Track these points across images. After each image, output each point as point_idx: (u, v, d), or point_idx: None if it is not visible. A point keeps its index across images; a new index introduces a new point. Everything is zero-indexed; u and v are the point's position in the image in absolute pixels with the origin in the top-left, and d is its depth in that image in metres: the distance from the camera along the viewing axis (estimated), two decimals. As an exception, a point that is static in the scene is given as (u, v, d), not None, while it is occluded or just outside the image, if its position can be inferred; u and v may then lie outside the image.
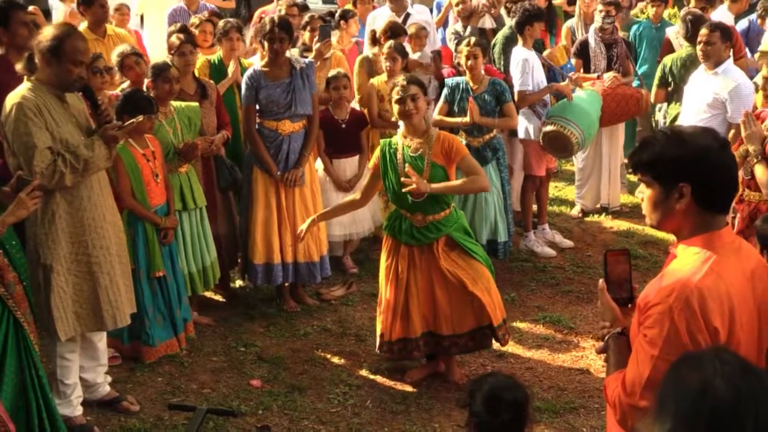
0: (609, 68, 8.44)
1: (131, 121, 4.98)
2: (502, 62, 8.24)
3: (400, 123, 5.53)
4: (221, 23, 7.57)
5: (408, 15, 9.00)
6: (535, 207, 8.29)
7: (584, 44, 8.61)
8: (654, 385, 2.52)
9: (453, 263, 5.47)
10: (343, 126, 7.26)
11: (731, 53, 7.22)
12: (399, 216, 5.53)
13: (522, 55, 7.71)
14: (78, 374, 5.10)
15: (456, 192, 5.44)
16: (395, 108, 5.45)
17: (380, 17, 9.07)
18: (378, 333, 5.73)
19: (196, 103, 6.33)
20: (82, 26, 8.04)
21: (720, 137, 2.70)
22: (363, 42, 8.94)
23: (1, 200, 4.28)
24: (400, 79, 5.50)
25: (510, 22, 8.70)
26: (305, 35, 7.67)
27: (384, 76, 7.53)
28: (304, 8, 9.08)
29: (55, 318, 4.78)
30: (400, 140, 5.50)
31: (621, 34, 8.96)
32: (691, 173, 2.62)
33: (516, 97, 7.55)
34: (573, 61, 8.67)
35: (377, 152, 5.60)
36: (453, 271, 5.45)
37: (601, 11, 8.47)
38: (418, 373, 5.83)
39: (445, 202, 5.47)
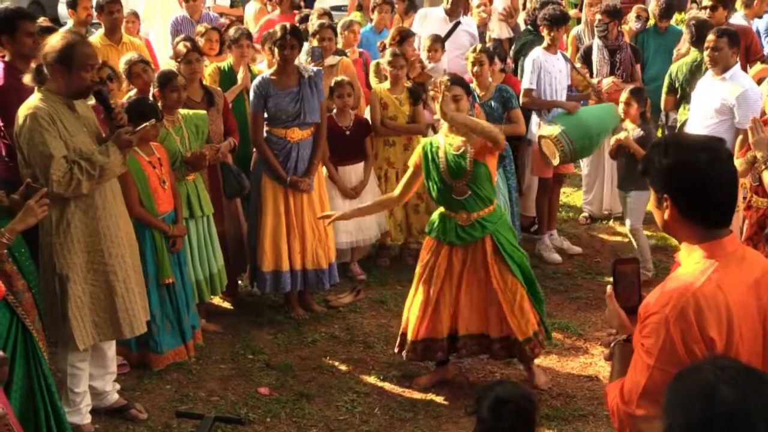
0: (612, 74, 8.46)
1: (145, 124, 4.99)
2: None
3: (443, 122, 5.54)
4: (231, 30, 7.60)
5: (458, 23, 8.98)
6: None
7: (588, 50, 8.64)
8: (650, 394, 2.53)
9: (494, 270, 5.48)
10: (347, 133, 7.27)
11: (747, 56, 7.21)
12: (444, 217, 5.55)
13: (534, 54, 7.73)
14: (87, 383, 5.11)
15: (476, 129, 5.35)
16: (437, 107, 5.48)
17: (432, 17, 9.10)
18: (400, 332, 5.72)
19: (203, 111, 6.35)
20: (100, 32, 8.09)
21: (717, 149, 2.62)
22: (366, 53, 8.95)
23: (11, 208, 4.30)
24: (445, 79, 5.52)
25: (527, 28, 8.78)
26: (313, 42, 7.68)
27: (387, 84, 7.55)
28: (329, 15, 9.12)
29: (72, 327, 4.79)
30: (443, 138, 5.51)
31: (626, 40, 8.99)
32: (670, 186, 2.62)
33: (521, 94, 7.56)
34: (578, 66, 8.67)
35: (418, 151, 5.61)
36: (492, 278, 5.46)
37: (598, 19, 8.52)
38: (426, 380, 5.83)
39: (488, 198, 5.48)
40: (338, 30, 8.62)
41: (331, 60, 7.69)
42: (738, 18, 9.54)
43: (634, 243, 7.49)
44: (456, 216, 5.47)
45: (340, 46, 8.47)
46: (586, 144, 7.48)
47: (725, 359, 2.16)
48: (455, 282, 5.51)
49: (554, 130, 7.37)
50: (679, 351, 2.48)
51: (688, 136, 2.90)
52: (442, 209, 5.59)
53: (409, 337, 5.62)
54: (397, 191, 5.86)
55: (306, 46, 7.45)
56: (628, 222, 7.45)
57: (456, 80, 5.51)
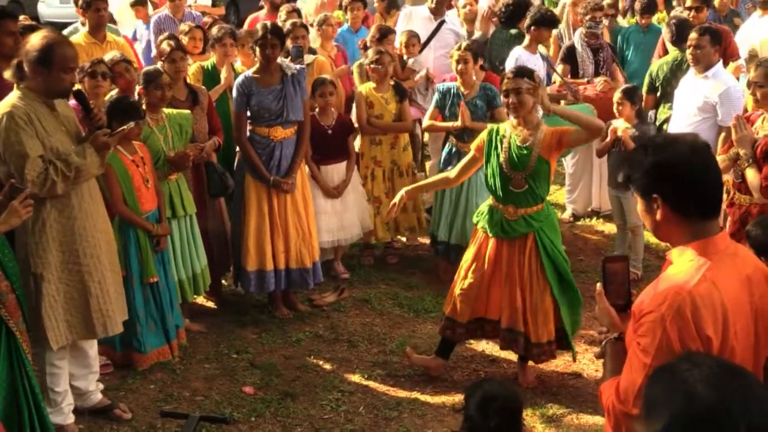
0: (596, 73, 8.49)
1: (122, 128, 4.95)
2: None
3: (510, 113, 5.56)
4: (215, 29, 7.58)
5: (443, 22, 9.00)
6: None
7: (571, 49, 8.64)
8: None
9: (529, 268, 5.52)
10: (330, 132, 7.25)
11: (724, 58, 7.25)
12: (491, 209, 5.59)
13: (516, 53, 7.75)
14: (68, 382, 5.08)
15: (575, 118, 5.39)
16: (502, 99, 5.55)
17: (416, 15, 9.12)
18: (445, 316, 5.76)
19: (187, 111, 6.32)
20: (83, 30, 8.05)
21: (694, 140, 2.68)
22: (343, 48, 8.95)
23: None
24: (509, 71, 5.56)
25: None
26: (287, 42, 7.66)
27: (372, 83, 7.55)
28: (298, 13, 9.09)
29: (46, 327, 4.75)
30: (509, 129, 5.52)
31: (607, 39, 9.03)
32: (658, 184, 2.65)
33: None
34: (560, 66, 8.68)
35: (483, 135, 5.64)
36: (524, 274, 5.53)
37: (589, 18, 8.52)
38: (418, 359, 5.89)
39: (540, 197, 5.51)
40: (314, 26, 8.62)
41: (305, 59, 7.65)
42: (754, 20, 9.58)
43: (632, 241, 7.51)
44: (503, 209, 5.51)
45: (318, 43, 8.47)
46: None
47: (699, 355, 2.17)
48: (504, 273, 5.55)
49: None
50: (676, 349, 2.48)
51: (663, 134, 2.94)
52: (490, 200, 5.63)
53: (459, 319, 5.66)
54: (454, 172, 5.86)
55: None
56: (628, 220, 7.45)
57: (519, 72, 5.47)
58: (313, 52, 8.24)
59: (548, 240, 5.51)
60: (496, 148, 5.51)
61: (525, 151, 5.42)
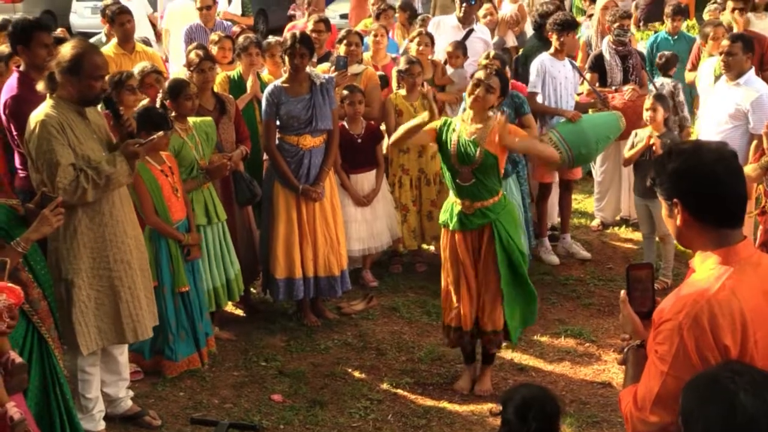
0: (625, 80, 8.43)
1: (152, 137, 5.00)
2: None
3: (465, 108, 5.59)
4: (241, 39, 7.62)
5: (471, 30, 9.05)
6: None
7: (599, 57, 8.59)
8: (664, 401, 2.53)
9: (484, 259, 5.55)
10: (359, 141, 7.27)
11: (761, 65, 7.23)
12: (451, 204, 5.62)
13: (540, 59, 7.75)
14: (99, 388, 5.13)
15: (528, 148, 5.74)
16: (469, 87, 5.56)
17: (445, 24, 9.22)
18: (453, 327, 5.74)
19: (209, 118, 6.35)
20: (113, 41, 8.19)
21: (721, 149, 2.66)
22: (399, 57, 8.98)
23: (26, 217, 4.32)
24: (492, 65, 5.65)
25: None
26: (341, 48, 7.69)
27: (402, 92, 7.57)
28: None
29: (77, 332, 4.82)
30: (460, 122, 5.54)
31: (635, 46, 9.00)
32: (678, 189, 2.64)
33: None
34: (588, 74, 8.64)
35: (435, 124, 5.57)
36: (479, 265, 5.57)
37: (617, 25, 8.48)
38: (464, 382, 5.86)
39: (494, 189, 5.52)
40: (367, 39, 8.65)
41: (355, 69, 7.62)
42: None
43: (662, 249, 7.45)
44: (461, 202, 5.52)
45: (369, 55, 8.49)
46: (583, 151, 7.45)
47: (738, 364, 2.15)
48: (471, 270, 5.56)
49: (552, 135, 7.36)
50: (693, 358, 2.47)
51: (690, 141, 2.94)
52: (450, 197, 5.66)
53: (445, 322, 5.73)
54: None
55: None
56: (657, 228, 7.37)
57: (498, 73, 5.54)
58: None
59: (505, 231, 5.51)
60: (447, 142, 5.51)
61: (472, 144, 5.42)
